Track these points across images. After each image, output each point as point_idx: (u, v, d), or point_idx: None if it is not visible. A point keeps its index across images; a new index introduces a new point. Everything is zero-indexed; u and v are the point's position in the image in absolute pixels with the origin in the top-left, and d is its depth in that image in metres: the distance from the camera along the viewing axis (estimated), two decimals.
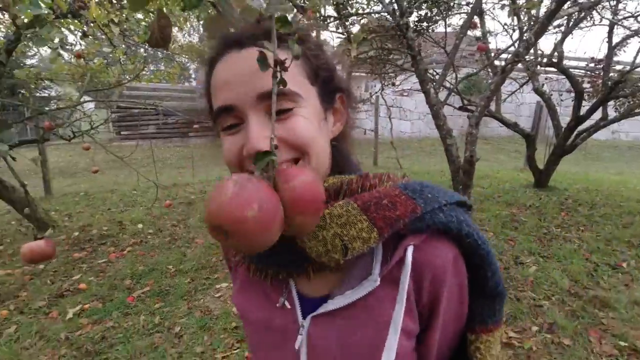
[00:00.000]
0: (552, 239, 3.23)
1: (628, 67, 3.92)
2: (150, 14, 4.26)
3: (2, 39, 3.80)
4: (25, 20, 2.72)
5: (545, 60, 4.26)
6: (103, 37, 4.32)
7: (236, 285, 0.61)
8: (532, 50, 4.30)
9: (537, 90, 4.36)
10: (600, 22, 4.23)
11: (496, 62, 4.04)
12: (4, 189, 3.52)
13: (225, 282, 2.78)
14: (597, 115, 4.28)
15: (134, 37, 4.64)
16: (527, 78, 4.51)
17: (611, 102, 4.27)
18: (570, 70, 4.38)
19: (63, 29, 2.83)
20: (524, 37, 2.27)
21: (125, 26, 4.45)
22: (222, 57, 0.47)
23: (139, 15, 4.55)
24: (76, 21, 3.20)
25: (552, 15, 2.16)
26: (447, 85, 4.23)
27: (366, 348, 0.48)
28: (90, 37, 3.89)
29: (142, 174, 3.05)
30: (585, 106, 4.28)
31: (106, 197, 5.31)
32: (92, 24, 3.53)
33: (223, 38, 0.48)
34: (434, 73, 4.44)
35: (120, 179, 6.69)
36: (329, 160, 0.52)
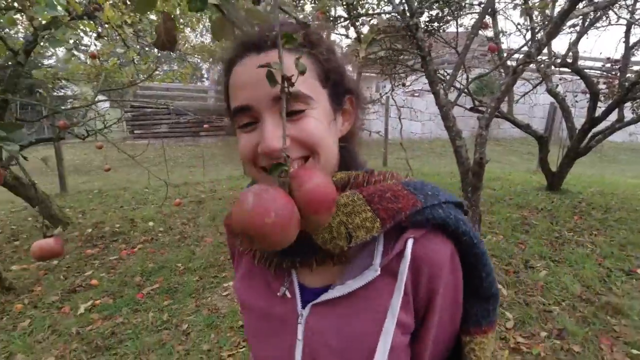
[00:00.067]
0: (564, 243, 3.17)
1: None
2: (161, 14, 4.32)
3: (21, 39, 3.90)
4: (43, 22, 2.80)
5: (559, 60, 4.18)
6: (117, 37, 4.40)
7: (238, 273, 0.64)
8: (545, 50, 4.22)
9: (551, 91, 4.28)
10: (617, 21, 4.13)
11: (509, 63, 3.98)
12: (20, 186, 3.62)
13: (232, 280, 2.80)
14: (613, 116, 4.18)
15: (147, 37, 4.72)
16: (541, 79, 4.43)
17: (628, 104, 4.17)
18: (585, 70, 4.29)
19: (78, 31, 2.88)
20: (536, 38, 2.23)
21: (139, 27, 4.53)
22: (241, 59, 0.50)
23: (152, 16, 4.62)
24: (90, 22, 3.26)
25: (565, 15, 2.11)
26: (458, 86, 4.19)
27: (364, 336, 0.50)
28: (104, 38, 3.97)
29: (154, 173, 3.10)
30: (601, 107, 4.18)
31: (119, 195, 5.42)
32: (106, 25, 3.60)
33: (243, 41, 0.50)
34: (445, 73, 4.39)
35: (132, 177, 6.81)
36: (336, 158, 0.54)
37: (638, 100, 4.12)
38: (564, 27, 4.00)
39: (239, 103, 0.49)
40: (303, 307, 0.54)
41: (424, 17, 4.03)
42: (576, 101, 5.10)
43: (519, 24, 3.78)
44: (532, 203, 4.14)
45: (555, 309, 2.30)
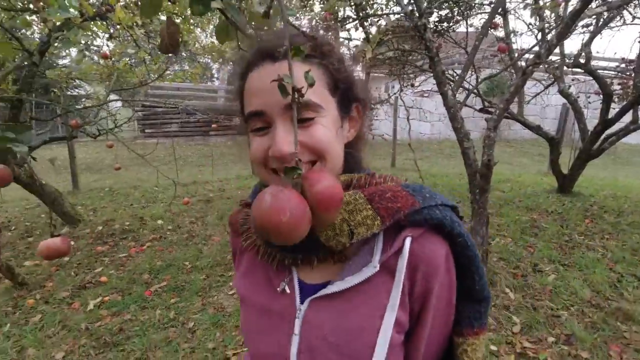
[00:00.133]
0: (574, 247, 3.12)
1: None
2: (174, 14, 4.37)
3: (37, 39, 3.99)
4: (58, 23, 2.86)
5: (572, 61, 4.11)
6: (129, 38, 4.47)
7: (239, 271, 0.66)
8: (557, 50, 4.16)
9: (563, 92, 4.20)
10: (632, 21, 4.04)
11: (520, 63, 3.92)
12: (34, 184, 3.70)
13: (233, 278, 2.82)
14: (627, 118, 4.09)
15: (158, 38, 4.78)
16: (553, 80, 4.36)
17: None
18: (599, 71, 4.21)
19: (89, 32, 2.94)
20: (547, 39, 2.19)
21: (150, 28, 4.59)
22: (256, 66, 0.52)
23: (163, 17, 4.67)
24: (102, 24, 3.32)
25: (576, 15, 2.08)
26: (468, 86, 4.15)
27: (361, 331, 0.51)
28: (116, 38, 4.03)
29: (164, 171, 3.15)
30: (615, 109, 4.10)
31: (129, 193, 5.50)
32: (118, 26, 3.66)
33: (260, 49, 0.53)
34: (454, 74, 4.36)
35: (143, 176, 6.91)
36: (342, 162, 0.57)
37: None
38: (577, 27, 3.93)
39: (253, 108, 0.52)
40: (302, 302, 0.55)
41: (434, 17, 4.00)
42: (589, 102, 5.01)
43: (530, 23, 3.72)
44: (542, 206, 4.07)
45: (564, 314, 2.26)
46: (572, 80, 5.60)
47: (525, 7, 3.57)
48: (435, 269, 0.52)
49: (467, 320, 0.57)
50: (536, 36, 3.95)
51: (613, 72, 4.73)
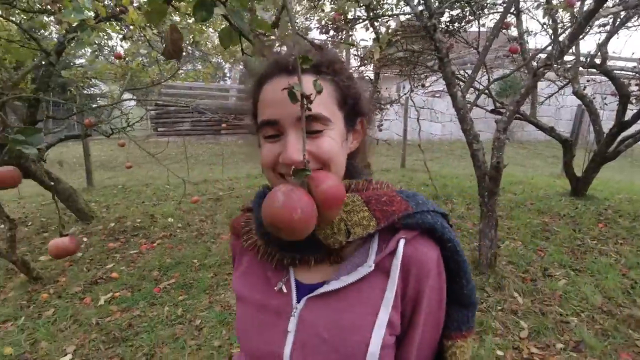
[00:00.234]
0: (586, 252, 3.05)
1: None
2: (187, 15, 4.42)
3: (55, 39, 4.09)
4: (75, 24, 2.92)
5: (587, 61, 4.01)
6: (142, 38, 4.55)
7: (238, 272, 0.68)
8: (573, 50, 4.07)
9: (577, 93, 4.12)
10: None
11: (534, 63, 3.85)
12: (49, 180, 3.80)
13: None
14: None
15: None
16: (567, 80, 4.27)
17: None
18: (615, 72, 4.10)
19: (102, 34, 3.00)
20: (559, 39, 2.15)
21: (162, 28, 4.66)
22: (271, 78, 0.56)
23: (176, 18, 4.74)
24: (116, 24, 3.39)
25: (590, 16, 2.04)
26: (480, 87, 4.10)
27: (356, 328, 0.53)
28: (129, 39, 4.10)
29: (176, 170, 3.20)
30: (633, 110, 3.99)
31: (141, 191, 5.59)
32: (131, 27, 3.73)
33: (277, 61, 0.56)
34: (466, 74, 4.31)
35: (155, 174, 7.01)
36: (344, 170, 0.60)
37: None
38: (593, 27, 3.84)
39: (267, 117, 0.55)
40: (298, 301, 0.57)
41: (445, 17, 3.96)
42: (605, 104, 4.89)
43: (544, 23, 3.65)
44: (555, 209, 4.00)
45: (573, 320, 2.22)
46: (588, 81, 5.47)
47: (537, 7, 3.51)
48: (427, 272, 0.55)
49: (456, 324, 0.60)
50: (550, 36, 3.88)
51: (630, 73, 4.60)
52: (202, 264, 3.13)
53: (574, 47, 3.92)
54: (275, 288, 0.59)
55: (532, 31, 4.04)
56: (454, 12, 3.90)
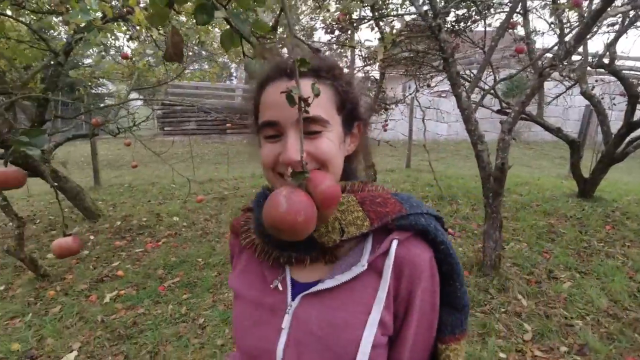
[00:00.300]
0: (593, 254, 3.02)
1: None
2: (192, 15, 4.46)
3: (64, 39, 4.15)
4: (82, 25, 2.96)
5: (596, 60, 3.96)
6: (149, 38, 4.59)
7: (236, 270, 0.70)
8: (581, 50, 4.02)
9: (585, 94, 4.07)
10: None
11: (540, 63, 3.81)
12: (57, 179, 3.85)
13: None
14: None
15: None
16: (575, 80, 4.22)
17: None
18: (624, 72, 4.05)
19: (108, 34, 3.03)
20: (565, 40, 2.13)
21: (169, 29, 4.70)
22: (273, 81, 0.58)
23: (183, 18, 4.77)
24: (122, 25, 3.42)
25: (597, 15, 2.01)
26: (485, 87, 4.07)
27: (347, 326, 0.54)
28: (136, 39, 4.14)
29: (182, 169, 3.23)
30: None
31: (147, 190, 5.64)
32: (137, 27, 3.76)
33: (278, 65, 0.58)
34: (472, 74, 4.28)
35: (161, 173, 7.07)
36: (341, 171, 0.62)
37: None
38: (601, 27, 3.80)
39: (267, 119, 0.57)
40: (293, 299, 0.59)
41: (451, 17, 3.94)
42: (614, 104, 4.82)
43: (552, 23, 3.61)
44: (561, 210, 3.96)
45: (578, 323, 2.20)
46: (596, 81, 5.40)
47: (544, 7, 3.47)
48: (419, 273, 0.56)
49: (450, 327, 0.61)
50: (558, 36, 3.84)
51: (639, 73, 4.54)
52: (207, 262, 3.15)
53: (581, 47, 3.88)
54: (272, 286, 0.61)
55: (539, 31, 3.99)
56: (460, 12, 3.88)
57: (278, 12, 0.63)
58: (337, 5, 4.04)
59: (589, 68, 4.06)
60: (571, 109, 10.31)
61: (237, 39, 0.90)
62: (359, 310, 0.55)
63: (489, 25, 3.96)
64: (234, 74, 19.73)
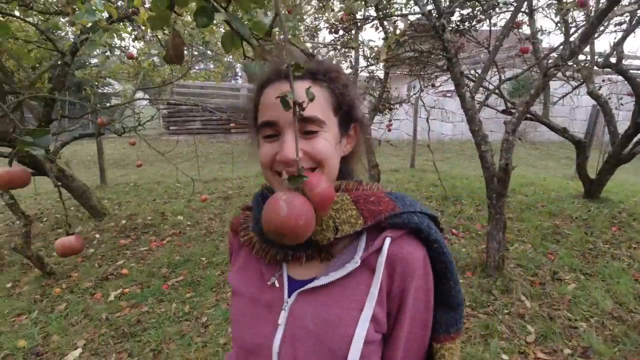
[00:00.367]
0: (598, 256, 2.99)
1: None
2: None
3: (71, 39, 4.19)
4: (89, 25, 2.99)
5: (602, 60, 3.92)
6: (153, 39, 4.62)
7: (235, 267, 0.72)
8: (588, 49, 3.98)
9: (592, 94, 4.02)
10: None
11: (547, 62, 3.78)
12: (64, 177, 3.89)
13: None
14: None
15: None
16: (581, 80, 4.18)
17: None
18: (631, 71, 4.00)
19: (116, 34, 3.06)
20: (571, 40, 2.11)
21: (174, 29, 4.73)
22: (272, 83, 0.60)
23: (188, 18, 4.80)
24: (126, 26, 3.45)
25: (603, 15, 1.99)
26: (490, 87, 4.04)
27: (340, 321, 0.56)
28: (141, 39, 4.17)
29: (187, 168, 3.26)
30: None
31: (152, 189, 5.68)
32: (142, 28, 3.79)
33: (277, 68, 0.60)
34: (476, 74, 4.25)
35: (166, 172, 7.11)
36: (337, 172, 0.63)
37: None
38: (609, 26, 3.75)
39: (266, 119, 0.58)
40: (289, 295, 0.60)
41: (455, 16, 3.92)
42: (621, 104, 4.77)
43: (558, 22, 3.58)
44: (566, 211, 3.93)
45: (582, 325, 2.18)
46: (603, 80, 5.34)
47: (549, 7, 3.44)
48: (412, 271, 0.57)
49: (444, 326, 0.61)
50: (564, 35, 3.80)
51: None
52: (210, 261, 3.17)
53: (588, 47, 3.84)
54: (269, 283, 0.62)
55: (545, 30, 3.95)
56: (465, 11, 3.85)
57: (272, 17, 0.64)
58: (341, 5, 4.04)
59: (596, 68, 4.02)
60: (578, 109, 10.20)
61: (238, 40, 0.91)
62: (352, 306, 0.56)
63: (494, 24, 3.94)
64: (239, 74, 19.80)
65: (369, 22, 3.23)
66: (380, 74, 4.56)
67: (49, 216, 4.46)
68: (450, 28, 2.62)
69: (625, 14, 3.14)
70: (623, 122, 4.14)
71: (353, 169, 0.70)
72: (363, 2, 2.72)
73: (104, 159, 6.19)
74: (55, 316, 2.42)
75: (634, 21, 3.56)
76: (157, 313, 2.45)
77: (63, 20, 3.68)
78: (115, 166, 8.27)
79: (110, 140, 10.62)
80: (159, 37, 4.45)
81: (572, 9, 2.30)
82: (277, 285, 0.62)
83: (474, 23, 3.85)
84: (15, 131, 2.93)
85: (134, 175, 7.06)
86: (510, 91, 9.77)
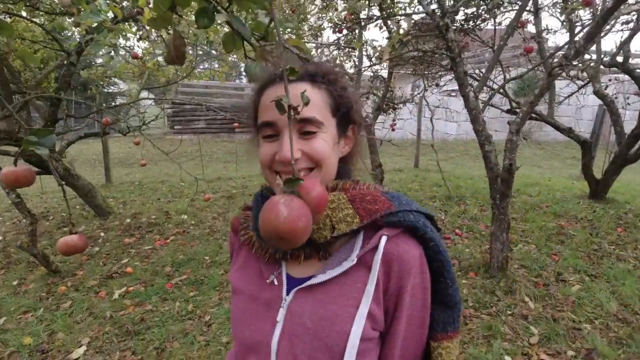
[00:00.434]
0: (603, 257, 2.97)
1: None
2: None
3: (77, 39, 4.23)
4: (94, 25, 3.02)
5: (609, 59, 3.89)
6: (158, 39, 4.64)
7: (235, 266, 0.73)
8: (594, 48, 3.95)
9: (598, 93, 3.99)
10: None
11: (552, 61, 3.75)
12: (69, 176, 3.93)
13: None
14: None
15: (184, 39, 4.94)
16: (587, 79, 4.15)
17: None
18: (638, 71, 3.96)
19: (120, 34, 3.09)
20: (574, 40, 2.10)
21: (178, 29, 4.75)
22: (272, 85, 0.61)
23: (192, 17, 4.81)
24: (131, 26, 3.47)
25: (608, 14, 1.97)
26: (495, 86, 4.02)
27: (336, 318, 0.57)
28: (146, 39, 4.20)
29: (191, 167, 3.28)
30: None
31: (157, 188, 5.72)
32: (147, 27, 3.81)
33: (276, 72, 0.61)
34: (481, 73, 4.23)
35: (170, 171, 7.15)
36: (335, 172, 0.64)
37: None
38: (615, 24, 3.72)
39: (266, 119, 0.60)
40: (287, 293, 0.61)
41: (460, 16, 3.90)
42: (628, 103, 4.72)
43: (563, 21, 3.55)
44: (571, 212, 3.90)
45: (586, 327, 2.17)
46: (610, 80, 5.29)
47: (554, 5, 3.41)
48: (408, 268, 0.57)
49: (442, 325, 0.62)
50: (570, 34, 3.77)
51: None
52: (213, 261, 3.18)
53: (594, 45, 3.80)
54: (268, 281, 0.63)
55: (551, 29, 3.92)
56: (469, 11, 3.83)
57: (268, 22, 0.65)
58: (345, 5, 4.03)
59: (602, 67, 3.98)
60: (584, 109, 10.11)
61: (239, 41, 0.92)
62: (349, 303, 0.57)
63: (499, 23, 3.91)
64: (243, 73, 19.82)
65: (372, 22, 3.22)
66: (384, 73, 4.55)
67: (55, 214, 4.51)
68: (454, 27, 2.61)
69: (632, 13, 3.10)
70: (630, 122, 4.10)
71: (351, 169, 0.71)
72: (366, 2, 2.71)
73: (109, 158, 6.24)
74: (61, 314, 2.44)
75: None
76: (161, 311, 2.46)
77: (69, 20, 3.72)
78: (120, 165, 8.33)
79: (115, 139, 10.69)
80: (163, 37, 4.47)
81: (577, 9, 2.27)
82: (276, 283, 0.63)
83: (478, 22, 3.83)
84: (21, 130, 2.97)
85: (138, 174, 7.11)
86: (515, 90, 9.70)
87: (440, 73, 4.84)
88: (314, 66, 0.62)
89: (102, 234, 3.81)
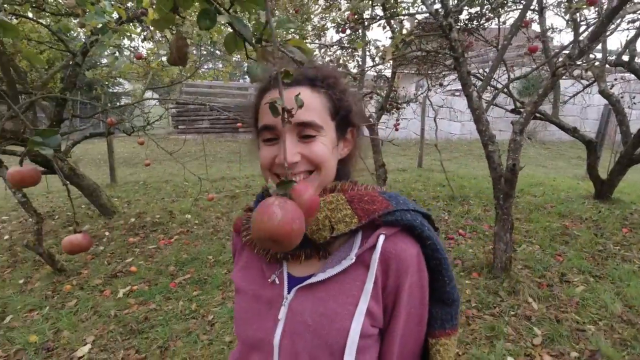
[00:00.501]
0: (608, 258, 2.94)
1: None
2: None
3: (83, 40, 4.27)
4: (99, 26, 3.05)
5: (614, 58, 3.85)
6: (162, 39, 4.67)
7: (238, 266, 0.74)
8: (600, 47, 3.91)
9: (604, 93, 3.96)
10: None
11: (557, 60, 3.72)
12: (75, 176, 3.97)
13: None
14: None
15: (188, 39, 4.96)
16: (593, 79, 4.11)
17: None
18: None
19: (125, 35, 3.11)
20: (579, 39, 2.08)
21: (182, 29, 4.77)
22: (273, 88, 0.62)
23: (195, 18, 4.84)
24: (135, 26, 3.49)
25: (613, 14, 1.96)
26: (499, 86, 4.00)
27: (336, 315, 0.58)
28: (150, 40, 4.22)
29: (195, 167, 3.29)
30: None
31: (161, 187, 5.75)
32: (151, 28, 3.84)
33: (270, 75, 0.62)
34: (485, 73, 4.21)
35: (174, 171, 7.19)
36: (334, 174, 0.66)
37: None
38: (621, 23, 3.68)
39: (266, 122, 0.61)
40: (289, 292, 0.62)
41: (464, 15, 3.89)
42: (634, 103, 4.68)
43: (568, 20, 3.53)
44: (576, 212, 3.87)
45: (590, 328, 2.16)
46: (615, 79, 5.24)
47: (559, 5, 3.39)
48: (406, 266, 0.59)
49: (440, 322, 0.63)
50: (574, 34, 3.74)
51: None
52: (217, 260, 3.20)
53: (600, 44, 3.77)
54: (269, 280, 0.65)
55: (556, 28, 3.90)
56: (473, 10, 3.82)
57: (263, 25, 0.66)
58: (348, 5, 4.03)
59: (608, 66, 3.95)
60: (590, 108, 10.03)
61: (241, 42, 0.92)
62: (348, 301, 0.58)
63: (503, 23, 3.89)
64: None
65: (375, 22, 3.22)
66: (388, 73, 4.55)
67: (61, 214, 4.55)
68: (458, 27, 2.60)
69: (638, 12, 3.08)
70: (636, 122, 4.07)
71: (350, 170, 0.72)
72: (370, 2, 2.71)
73: (114, 157, 6.28)
74: (66, 312, 2.46)
75: None
76: (165, 310, 2.48)
77: (74, 21, 3.75)
78: (125, 165, 8.38)
79: (120, 139, 10.76)
80: (167, 37, 4.50)
81: (582, 8, 2.26)
82: (277, 282, 0.64)
83: (482, 21, 3.81)
84: (26, 131, 3.00)
85: (143, 174, 7.15)
86: (520, 90, 9.65)
87: (444, 73, 4.82)
88: (314, 70, 0.62)
89: (106, 233, 3.84)
